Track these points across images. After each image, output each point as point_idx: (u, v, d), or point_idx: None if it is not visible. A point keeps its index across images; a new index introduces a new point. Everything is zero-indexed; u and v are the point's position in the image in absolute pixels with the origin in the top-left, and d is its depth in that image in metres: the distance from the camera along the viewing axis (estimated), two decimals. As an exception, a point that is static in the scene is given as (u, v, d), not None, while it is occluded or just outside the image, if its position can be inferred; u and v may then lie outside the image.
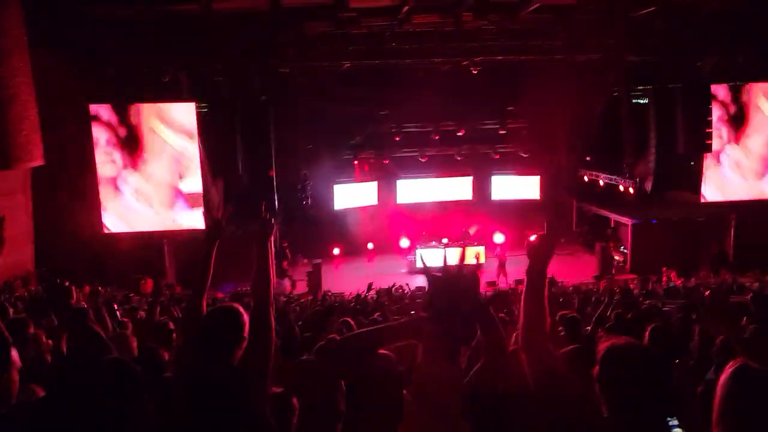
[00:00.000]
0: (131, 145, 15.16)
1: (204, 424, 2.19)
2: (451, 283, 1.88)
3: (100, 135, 14.98)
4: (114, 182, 15.37)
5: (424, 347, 2.15)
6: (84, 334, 2.40)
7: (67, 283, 2.54)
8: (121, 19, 13.28)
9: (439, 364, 2.14)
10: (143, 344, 3.87)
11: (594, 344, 4.10)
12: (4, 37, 12.29)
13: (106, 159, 15.13)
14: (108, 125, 15.00)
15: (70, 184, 15.08)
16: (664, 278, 16.41)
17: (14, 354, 2.08)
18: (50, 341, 3.23)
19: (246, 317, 2.44)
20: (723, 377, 1.82)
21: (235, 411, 2.19)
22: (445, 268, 1.89)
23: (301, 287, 18.07)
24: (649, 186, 18.51)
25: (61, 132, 13.54)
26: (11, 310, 7.21)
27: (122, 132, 15.07)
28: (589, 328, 5.50)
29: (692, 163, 17.84)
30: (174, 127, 15.25)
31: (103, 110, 14.99)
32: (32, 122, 12.84)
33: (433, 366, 2.15)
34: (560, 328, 4.71)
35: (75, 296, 2.50)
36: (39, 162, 13.31)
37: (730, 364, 1.86)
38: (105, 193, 15.37)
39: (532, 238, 2.28)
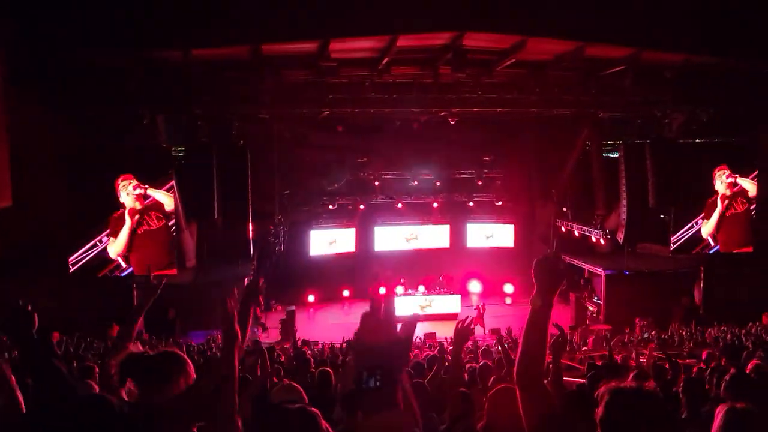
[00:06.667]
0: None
1: None
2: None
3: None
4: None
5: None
6: (47, 371, 2.20)
7: (29, 308, 2.27)
8: (102, 66, 13.29)
9: (380, 413, 2.08)
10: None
11: (588, 389, 3.94)
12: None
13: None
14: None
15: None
16: (638, 329, 16.49)
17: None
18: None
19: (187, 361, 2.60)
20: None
21: None
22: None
23: (274, 335, 17.71)
24: (621, 238, 18.78)
25: (31, 173, 13.31)
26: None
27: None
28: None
29: (662, 216, 18.24)
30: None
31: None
32: (2, 164, 12.65)
33: (375, 416, 2.08)
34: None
35: (37, 324, 2.26)
36: (7, 203, 13.08)
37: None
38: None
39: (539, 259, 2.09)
